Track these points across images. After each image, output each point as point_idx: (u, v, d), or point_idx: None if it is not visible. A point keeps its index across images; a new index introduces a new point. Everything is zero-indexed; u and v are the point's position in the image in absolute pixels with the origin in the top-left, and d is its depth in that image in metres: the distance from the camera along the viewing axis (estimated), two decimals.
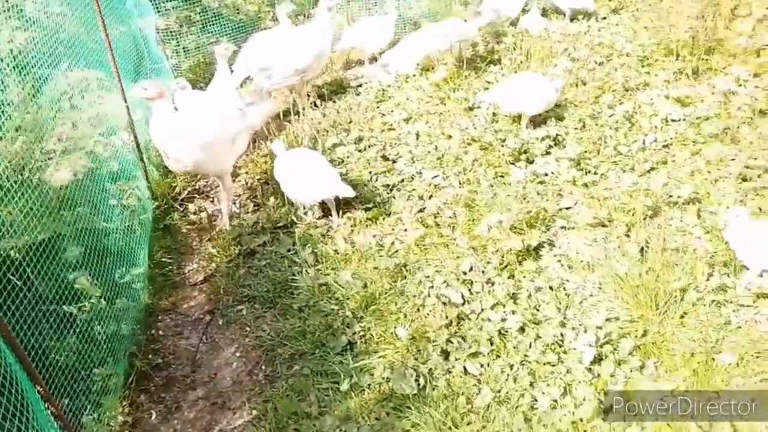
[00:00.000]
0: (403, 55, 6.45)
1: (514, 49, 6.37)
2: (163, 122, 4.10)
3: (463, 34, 6.09)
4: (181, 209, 4.89)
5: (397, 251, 4.13)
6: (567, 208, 4.41)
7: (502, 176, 4.78)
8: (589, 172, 4.71)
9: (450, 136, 5.27)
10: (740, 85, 5.44)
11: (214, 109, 4.57)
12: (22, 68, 3.38)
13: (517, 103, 5.08)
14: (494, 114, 5.43)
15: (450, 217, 4.35)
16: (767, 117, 4.96)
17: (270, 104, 4.85)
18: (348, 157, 5.14)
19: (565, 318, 3.46)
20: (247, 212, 4.71)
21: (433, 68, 6.34)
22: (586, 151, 4.85)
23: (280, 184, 4.50)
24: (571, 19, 7.22)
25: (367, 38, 6.74)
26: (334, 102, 6.16)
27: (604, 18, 7.27)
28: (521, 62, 6.14)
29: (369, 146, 5.28)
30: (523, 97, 5.05)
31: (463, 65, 6.10)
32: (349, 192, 4.22)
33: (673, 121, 5.13)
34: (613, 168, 4.70)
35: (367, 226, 4.39)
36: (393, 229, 4.34)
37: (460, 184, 4.71)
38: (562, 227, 4.22)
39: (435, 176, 4.84)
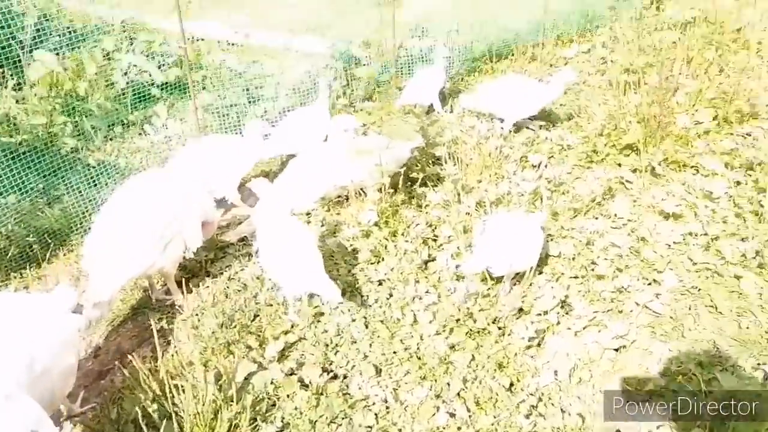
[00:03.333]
0: (299, 188, 4.55)
1: (449, 160, 4.83)
2: None
3: (399, 158, 4.41)
4: None
5: None
6: None
7: (519, 380, 3.25)
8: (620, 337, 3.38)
9: (416, 321, 3.63)
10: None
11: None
12: None
13: (514, 260, 3.56)
14: (456, 267, 3.91)
15: None
16: None
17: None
18: (278, 388, 3.23)
19: None
20: None
21: (346, 199, 4.58)
22: (605, 312, 3.54)
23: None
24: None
25: (302, 139, 5.00)
26: (214, 277, 4.14)
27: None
28: (463, 180, 4.61)
29: (300, 363, 3.40)
30: (520, 252, 3.57)
31: (396, 194, 4.43)
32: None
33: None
34: (651, 332, 3.42)
35: None
36: None
37: (468, 411, 3.09)
38: None
39: (421, 400, 3.16)
